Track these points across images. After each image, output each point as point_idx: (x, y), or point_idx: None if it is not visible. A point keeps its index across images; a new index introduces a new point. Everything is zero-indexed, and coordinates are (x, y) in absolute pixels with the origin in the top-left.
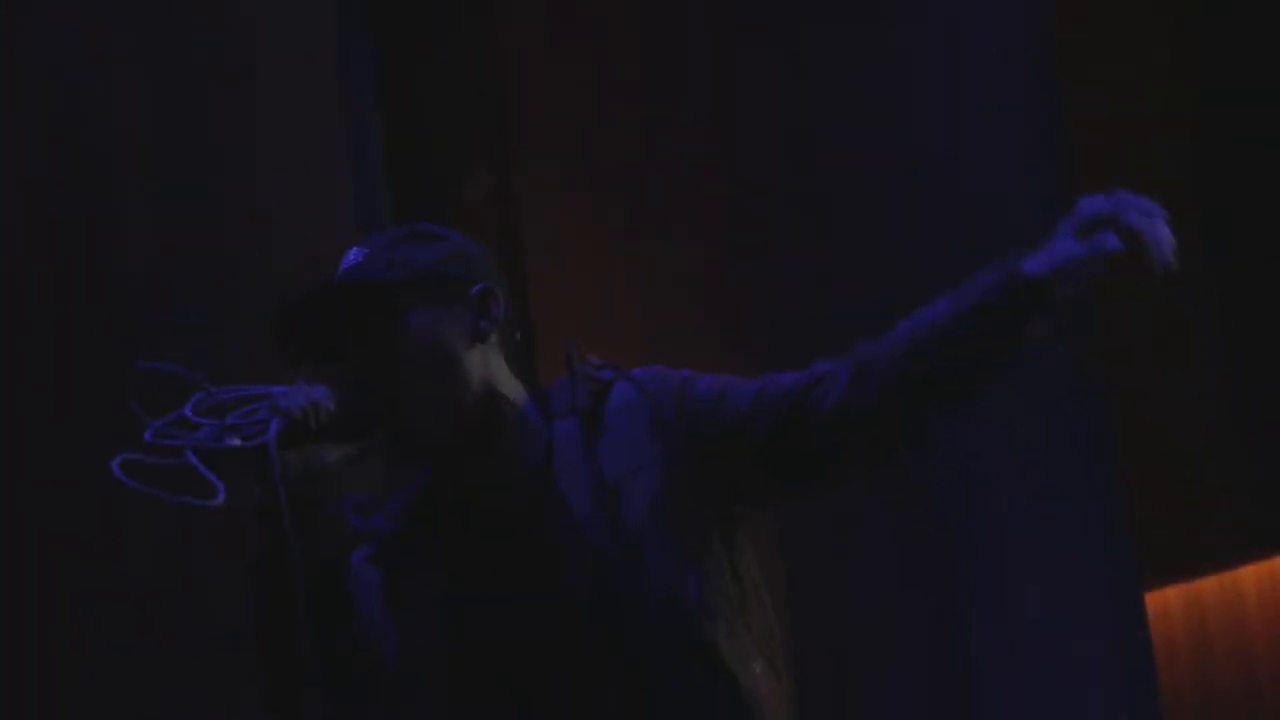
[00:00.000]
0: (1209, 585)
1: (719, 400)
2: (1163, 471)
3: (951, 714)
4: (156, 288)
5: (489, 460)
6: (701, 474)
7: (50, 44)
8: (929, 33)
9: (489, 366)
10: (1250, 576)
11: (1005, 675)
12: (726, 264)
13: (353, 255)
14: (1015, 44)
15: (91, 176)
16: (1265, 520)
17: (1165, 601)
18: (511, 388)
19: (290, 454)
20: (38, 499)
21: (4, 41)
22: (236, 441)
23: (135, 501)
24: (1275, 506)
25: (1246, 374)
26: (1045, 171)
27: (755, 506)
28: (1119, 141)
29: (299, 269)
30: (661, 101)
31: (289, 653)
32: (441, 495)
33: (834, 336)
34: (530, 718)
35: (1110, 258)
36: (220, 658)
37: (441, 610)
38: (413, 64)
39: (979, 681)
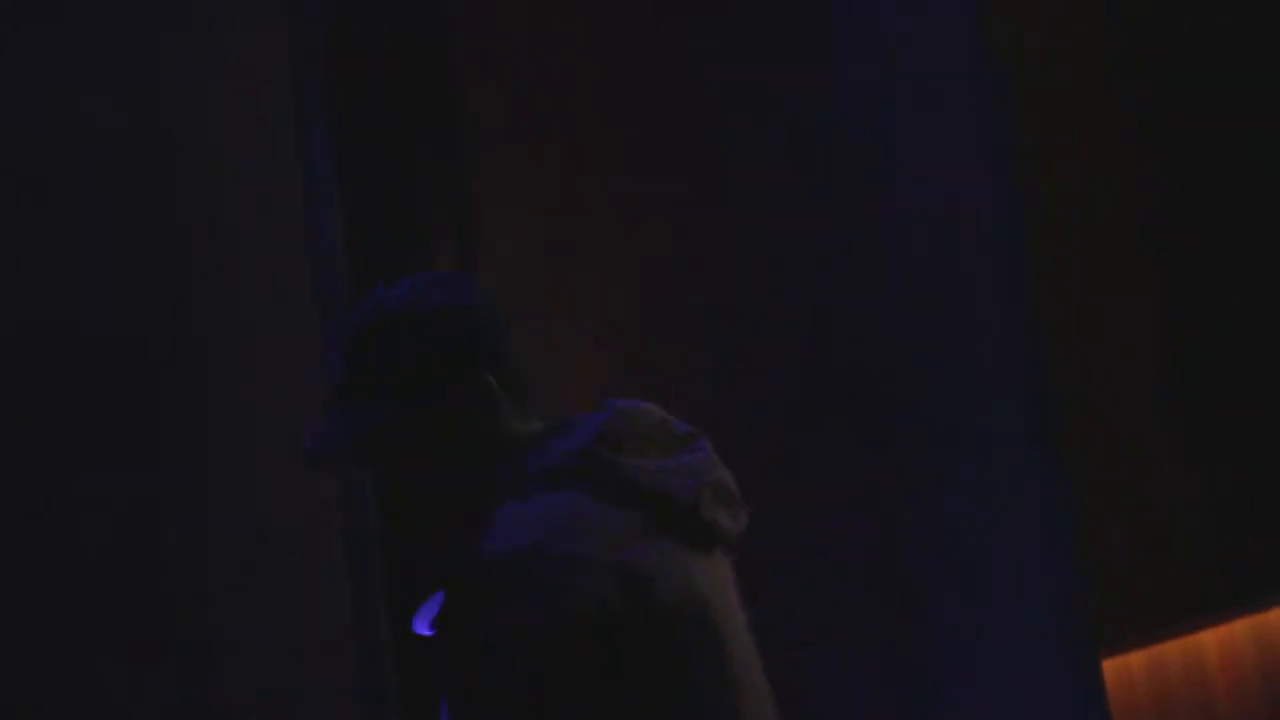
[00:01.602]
0: (1171, 649)
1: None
2: (1126, 536)
3: None
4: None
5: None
6: None
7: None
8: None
9: (476, 447)
10: (1212, 640)
11: None
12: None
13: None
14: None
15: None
16: (1225, 585)
17: (1128, 666)
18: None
19: None
20: None
21: None
22: None
23: None
24: (1235, 571)
25: (1210, 445)
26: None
27: None
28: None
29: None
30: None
31: None
32: None
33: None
34: None
35: None
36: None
37: None
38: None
39: None
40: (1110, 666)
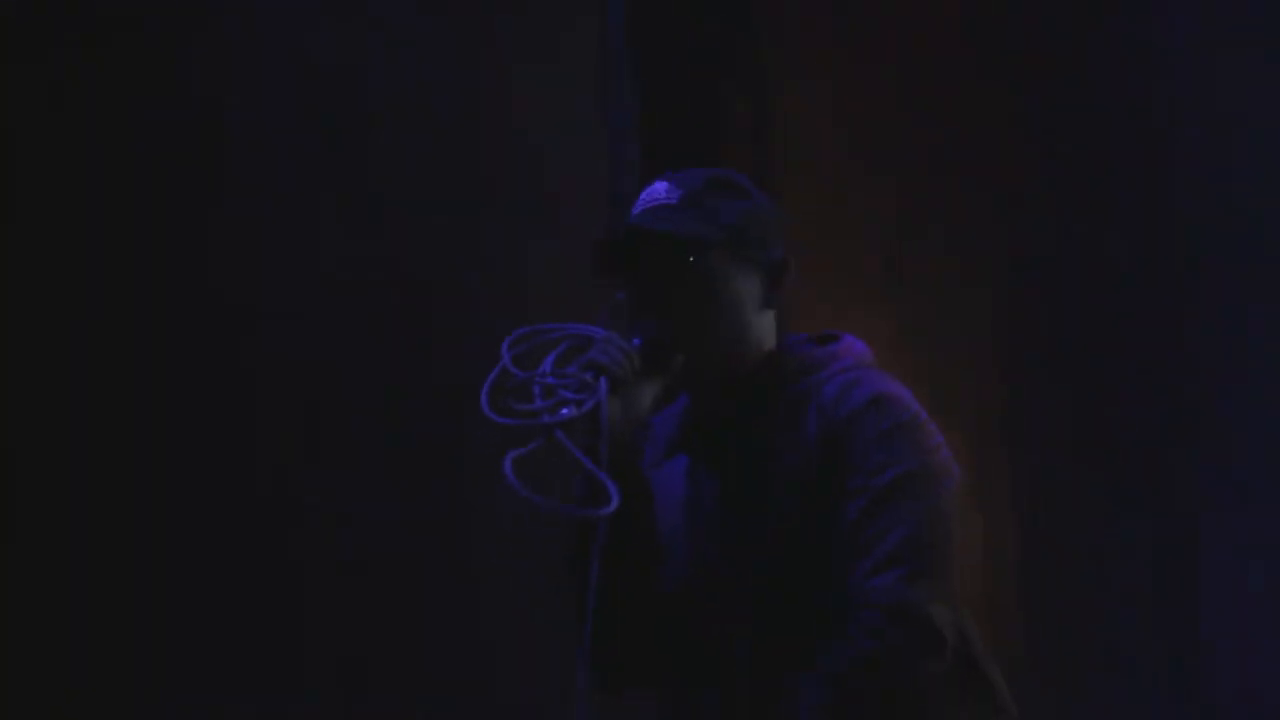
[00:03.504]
0: None
1: (851, 488)
2: None
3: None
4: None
5: (739, 400)
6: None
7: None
8: None
9: (766, 329)
10: None
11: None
12: (970, 201)
13: (662, 192)
14: None
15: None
16: None
17: None
18: (772, 343)
19: (614, 404)
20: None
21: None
22: (572, 411)
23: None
24: None
25: None
26: None
27: None
28: None
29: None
30: (924, 41)
31: (612, 609)
32: (695, 422)
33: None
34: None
35: None
36: None
37: (685, 515)
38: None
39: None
40: None
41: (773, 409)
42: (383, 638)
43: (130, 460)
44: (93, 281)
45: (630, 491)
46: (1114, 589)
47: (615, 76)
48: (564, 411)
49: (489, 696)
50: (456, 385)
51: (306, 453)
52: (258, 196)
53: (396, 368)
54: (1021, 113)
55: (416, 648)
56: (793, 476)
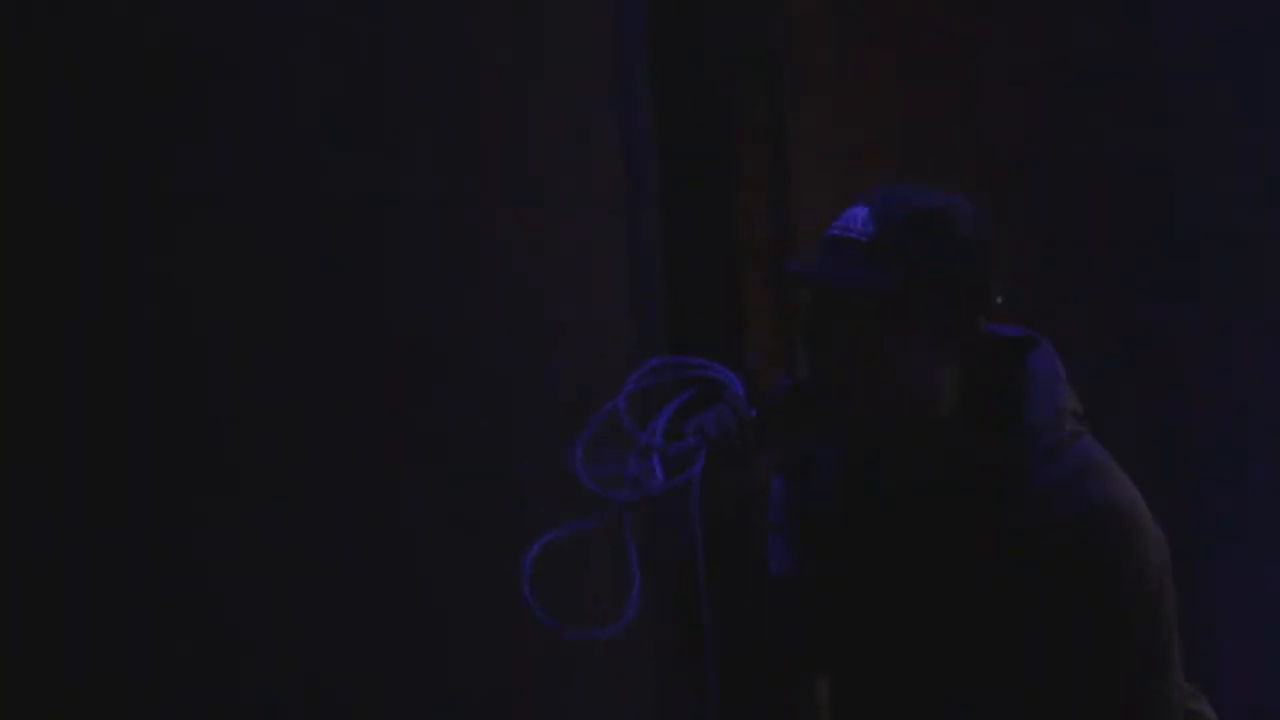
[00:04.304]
0: None
1: (1086, 640)
2: None
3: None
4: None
5: (914, 461)
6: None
7: None
8: None
9: (943, 384)
10: None
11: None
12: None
13: (857, 223)
14: None
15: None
16: None
17: None
18: (956, 400)
19: (720, 477)
20: None
21: None
22: (658, 486)
23: None
24: None
25: None
26: None
27: None
28: None
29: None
30: (930, 44)
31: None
32: (864, 472)
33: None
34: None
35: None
36: None
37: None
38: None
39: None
40: None
41: (958, 479)
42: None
43: (130, 460)
44: (92, 281)
45: (729, 559)
46: None
47: (632, 77)
48: (651, 484)
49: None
50: (465, 387)
51: (306, 453)
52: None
53: (396, 372)
54: (1025, 113)
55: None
56: (979, 576)
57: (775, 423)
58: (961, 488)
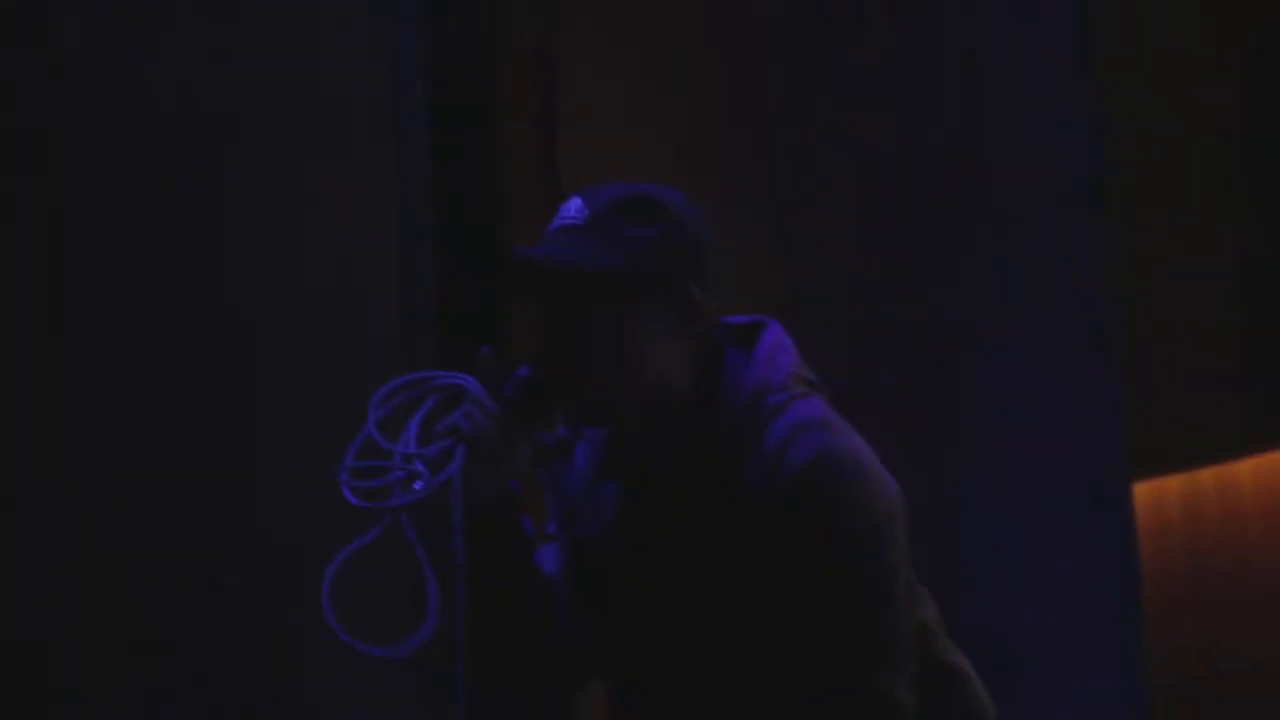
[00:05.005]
0: (1207, 476)
1: (813, 570)
2: (1168, 363)
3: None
4: None
5: (657, 437)
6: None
7: None
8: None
9: (677, 361)
10: (1248, 470)
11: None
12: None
13: (572, 211)
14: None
15: None
16: (1265, 417)
17: (1164, 489)
18: (689, 377)
19: (478, 474)
20: None
21: None
22: (422, 486)
23: None
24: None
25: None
26: None
27: None
28: None
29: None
30: None
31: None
32: (618, 451)
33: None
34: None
35: None
36: None
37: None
38: None
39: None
40: (1149, 486)
41: (698, 451)
42: None
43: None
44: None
45: (502, 556)
46: None
47: (401, 6)
48: (416, 486)
49: None
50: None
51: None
52: None
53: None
54: (812, 47)
55: None
56: (733, 540)
57: (519, 412)
58: (704, 459)
